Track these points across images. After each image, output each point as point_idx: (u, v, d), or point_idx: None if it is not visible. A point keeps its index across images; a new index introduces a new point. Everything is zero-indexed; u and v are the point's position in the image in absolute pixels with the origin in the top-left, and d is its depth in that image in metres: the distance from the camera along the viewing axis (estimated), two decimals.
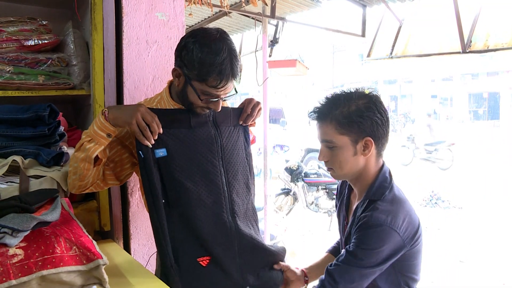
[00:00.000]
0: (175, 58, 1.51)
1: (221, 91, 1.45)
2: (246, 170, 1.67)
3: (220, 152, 1.58)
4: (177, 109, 1.56)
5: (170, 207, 1.47)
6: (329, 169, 1.53)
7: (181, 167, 1.48)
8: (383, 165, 1.52)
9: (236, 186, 1.60)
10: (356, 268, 1.39)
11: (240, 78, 1.51)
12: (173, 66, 1.51)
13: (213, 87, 1.43)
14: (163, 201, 1.46)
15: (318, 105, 1.50)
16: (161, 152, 1.46)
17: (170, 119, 1.50)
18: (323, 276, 1.46)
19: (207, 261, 1.49)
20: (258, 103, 1.71)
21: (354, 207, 1.53)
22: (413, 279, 1.49)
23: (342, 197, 1.67)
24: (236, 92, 1.53)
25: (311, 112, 1.51)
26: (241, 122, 1.69)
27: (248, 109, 1.68)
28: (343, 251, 1.47)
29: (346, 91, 1.48)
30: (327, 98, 1.49)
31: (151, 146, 1.43)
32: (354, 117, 1.41)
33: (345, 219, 1.61)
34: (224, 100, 1.62)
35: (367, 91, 1.47)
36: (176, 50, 1.50)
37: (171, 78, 1.98)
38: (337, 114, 1.43)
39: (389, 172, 1.52)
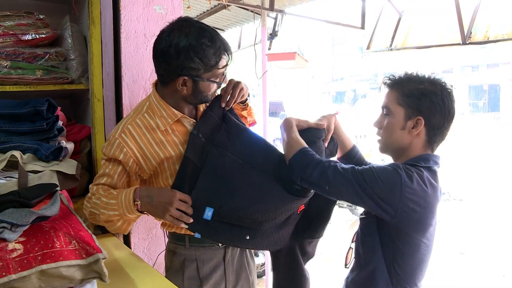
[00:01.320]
0: (170, 69, 1.44)
1: (225, 65, 1.51)
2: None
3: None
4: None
5: None
6: (377, 139, 1.55)
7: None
8: (433, 156, 1.48)
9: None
10: (350, 175, 1.37)
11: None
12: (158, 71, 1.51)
13: (222, 66, 1.49)
14: None
15: (395, 74, 1.52)
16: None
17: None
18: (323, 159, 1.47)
19: None
20: (238, 82, 1.65)
21: None
22: (408, 275, 1.45)
23: None
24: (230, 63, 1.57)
25: (385, 78, 1.53)
26: (223, 105, 1.62)
27: (228, 89, 1.62)
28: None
29: (426, 74, 1.49)
30: (405, 72, 1.51)
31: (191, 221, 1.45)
32: (417, 93, 1.42)
33: None
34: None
35: (442, 81, 1.47)
36: (169, 59, 1.42)
37: None
38: (404, 85, 1.46)
39: (436, 161, 1.48)
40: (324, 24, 5.19)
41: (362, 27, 5.11)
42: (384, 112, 1.50)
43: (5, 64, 1.70)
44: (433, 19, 4.95)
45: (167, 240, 1.73)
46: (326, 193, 1.45)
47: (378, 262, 1.45)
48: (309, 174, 1.42)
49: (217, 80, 1.51)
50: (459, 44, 4.54)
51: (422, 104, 1.41)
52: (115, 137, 1.50)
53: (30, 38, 1.79)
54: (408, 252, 1.43)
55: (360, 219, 1.57)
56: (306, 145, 1.53)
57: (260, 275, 4.78)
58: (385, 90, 1.52)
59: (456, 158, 11.80)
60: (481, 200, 7.79)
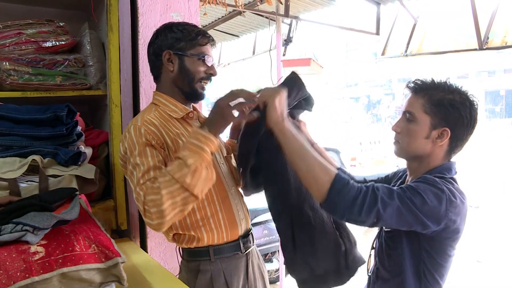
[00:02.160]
0: (156, 52, 1.55)
1: (209, 50, 1.58)
2: None
3: None
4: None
5: None
6: (395, 142, 1.51)
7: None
8: (453, 164, 1.48)
9: None
10: (397, 203, 1.30)
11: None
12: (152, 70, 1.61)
13: (206, 44, 1.56)
14: None
15: (421, 80, 1.48)
16: None
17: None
18: (363, 186, 1.33)
19: None
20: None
21: None
22: (437, 283, 1.46)
23: (394, 184, 1.63)
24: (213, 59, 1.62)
25: (412, 81, 1.49)
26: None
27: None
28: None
29: (453, 83, 1.46)
30: (433, 78, 1.47)
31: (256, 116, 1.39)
32: (446, 104, 1.39)
33: None
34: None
35: (469, 93, 1.44)
36: (156, 41, 1.56)
37: None
38: (433, 93, 1.42)
39: (455, 170, 1.47)
40: (338, 30, 5.19)
41: (377, 33, 5.11)
42: (407, 118, 1.45)
43: (27, 71, 1.74)
44: (449, 24, 4.92)
45: (179, 259, 1.66)
46: (372, 226, 1.35)
47: (408, 272, 1.44)
48: (356, 214, 1.29)
49: (201, 58, 1.54)
50: (475, 49, 4.50)
51: (450, 115, 1.39)
52: (137, 125, 1.44)
53: (51, 45, 1.82)
54: (440, 261, 1.42)
55: (385, 231, 1.54)
56: (329, 159, 1.56)
57: (274, 280, 4.78)
58: (408, 94, 1.49)
59: (472, 165, 11.66)
60: (498, 207, 7.67)
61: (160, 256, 1.95)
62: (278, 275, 4.54)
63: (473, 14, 4.25)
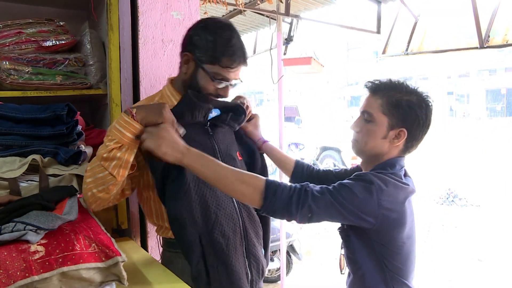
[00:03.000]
0: (182, 45, 1.53)
1: (233, 72, 1.49)
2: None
3: (218, 153, 1.59)
4: (179, 106, 1.53)
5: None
6: (353, 141, 1.55)
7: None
8: (399, 160, 1.51)
9: None
10: (329, 197, 1.35)
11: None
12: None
13: (227, 67, 1.46)
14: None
15: (379, 80, 1.52)
16: None
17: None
18: (296, 185, 1.39)
19: None
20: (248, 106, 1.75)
21: None
22: (401, 269, 1.47)
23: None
24: (241, 81, 1.57)
25: (369, 81, 1.53)
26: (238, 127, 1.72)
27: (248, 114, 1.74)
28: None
29: (410, 84, 1.50)
30: (390, 79, 1.51)
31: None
32: (403, 105, 1.43)
33: None
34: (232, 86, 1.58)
35: (425, 95, 1.48)
36: (185, 37, 1.53)
37: None
38: (390, 94, 1.45)
39: (401, 165, 1.50)
40: (339, 29, 5.19)
41: (378, 32, 5.10)
42: (365, 118, 1.49)
43: (27, 70, 1.74)
44: (450, 23, 4.91)
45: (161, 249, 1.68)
46: (308, 221, 1.39)
47: (367, 264, 1.48)
48: (293, 212, 1.35)
49: (214, 79, 1.47)
50: (476, 48, 4.49)
51: (407, 116, 1.43)
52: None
53: (51, 45, 1.82)
54: (394, 249, 1.45)
55: (339, 231, 1.60)
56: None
57: (275, 280, 4.78)
58: (367, 94, 1.52)
59: (473, 163, 11.66)
60: (499, 206, 7.67)
61: (161, 255, 1.95)
62: (279, 274, 4.54)
63: (474, 13, 4.24)
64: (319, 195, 1.35)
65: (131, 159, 1.36)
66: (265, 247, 1.74)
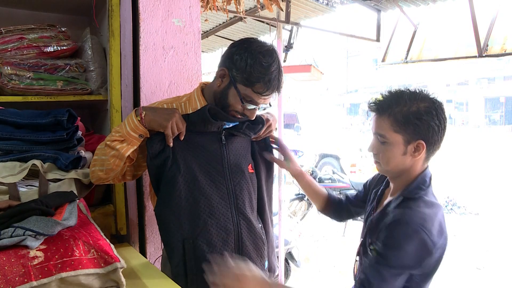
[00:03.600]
0: (223, 60, 1.54)
1: (264, 99, 1.51)
2: (249, 184, 1.64)
3: (226, 163, 1.59)
4: (196, 113, 1.56)
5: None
6: (375, 162, 1.53)
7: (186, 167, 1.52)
8: (426, 168, 1.50)
9: (241, 195, 1.60)
10: (387, 268, 1.35)
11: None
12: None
13: (259, 93, 1.48)
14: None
15: (380, 97, 1.48)
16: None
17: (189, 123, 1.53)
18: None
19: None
20: (271, 124, 1.75)
21: (386, 201, 1.52)
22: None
23: (377, 190, 1.65)
24: (270, 105, 1.60)
25: (371, 103, 1.49)
26: (253, 138, 1.72)
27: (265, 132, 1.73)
28: (370, 250, 1.44)
29: (410, 90, 1.46)
30: (390, 92, 1.47)
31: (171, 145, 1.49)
32: (412, 118, 1.39)
33: (373, 209, 1.60)
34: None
35: (431, 95, 1.45)
36: (227, 53, 1.54)
37: (187, 83, 2.02)
38: (396, 112, 1.41)
39: (430, 177, 1.49)
40: (339, 37, 5.22)
41: (378, 40, 5.13)
42: (379, 140, 1.46)
43: (28, 75, 1.74)
44: (449, 32, 4.94)
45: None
46: None
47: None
48: None
49: (244, 101, 1.50)
50: (475, 56, 4.52)
51: (419, 127, 1.39)
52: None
53: (52, 50, 1.83)
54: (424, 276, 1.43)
55: (369, 248, 1.50)
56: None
57: None
58: (373, 114, 1.49)
59: (472, 172, 11.66)
60: (497, 214, 7.66)
61: (159, 261, 1.95)
62: (278, 281, 4.52)
63: (472, 22, 4.27)
64: (375, 265, 1.36)
65: (127, 154, 1.46)
66: (268, 258, 1.72)
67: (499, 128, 25.88)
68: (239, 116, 1.55)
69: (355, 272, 1.66)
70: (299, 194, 6.76)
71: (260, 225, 1.67)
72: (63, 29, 1.90)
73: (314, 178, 6.59)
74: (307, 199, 6.66)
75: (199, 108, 1.57)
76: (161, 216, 1.58)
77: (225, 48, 1.62)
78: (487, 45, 4.35)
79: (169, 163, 1.52)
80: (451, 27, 4.96)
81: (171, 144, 1.48)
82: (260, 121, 1.66)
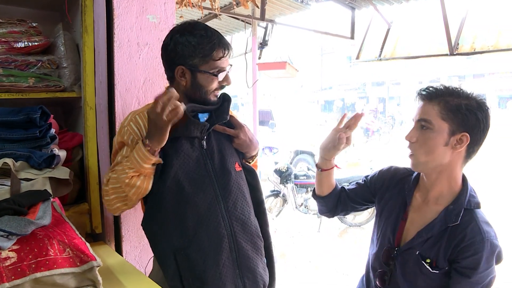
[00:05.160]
0: (170, 61, 1.54)
1: (226, 61, 1.54)
2: (238, 182, 1.63)
3: (210, 168, 1.57)
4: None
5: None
6: (410, 155, 1.47)
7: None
8: (464, 176, 1.48)
9: (230, 197, 1.58)
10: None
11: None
12: (165, 71, 1.56)
13: (220, 58, 1.51)
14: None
15: (433, 87, 1.45)
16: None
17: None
18: None
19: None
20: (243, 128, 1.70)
21: (436, 211, 1.48)
22: None
23: (400, 193, 1.60)
24: (231, 64, 1.60)
25: (423, 89, 1.46)
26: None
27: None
28: (431, 266, 1.43)
29: (465, 89, 1.45)
30: (443, 85, 1.45)
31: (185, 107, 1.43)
32: (463, 108, 1.37)
33: (404, 214, 1.56)
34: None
35: (484, 99, 1.44)
36: (168, 52, 1.53)
37: (162, 80, 2.00)
38: (448, 99, 1.39)
39: (471, 186, 1.49)
40: (314, 34, 5.25)
41: (352, 37, 5.19)
42: (423, 126, 1.42)
43: None
44: (421, 30, 5.04)
45: None
46: None
47: None
48: None
49: (216, 73, 1.51)
50: (446, 55, 4.62)
51: (468, 120, 1.37)
52: (124, 125, 1.57)
53: (23, 46, 1.78)
54: None
55: (428, 271, 1.46)
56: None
57: None
58: (421, 102, 1.46)
59: None
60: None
61: (136, 260, 1.94)
62: None
63: (444, 21, 4.37)
64: None
65: (150, 187, 1.49)
66: (267, 255, 1.72)
67: None
68: (219, 92, 1.58)
69: (385, 283, 1.58)
70: (274, 190, 6.79)
71: (256, 222, 1.66)
72: (34, 25, 1.86)
73: (289, 174, 6.64)
74: (282, 196, 6.70)
75: None
76: (149, 230, 1.58)
77: None
78: (458, 44, 4.46)
79: (155, 176, 1.51)
80: (424, 25, 5.06)
81: (181, 110, 1.39)
82: (227, 99, 1.63)
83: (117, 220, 1.94)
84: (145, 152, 1.41)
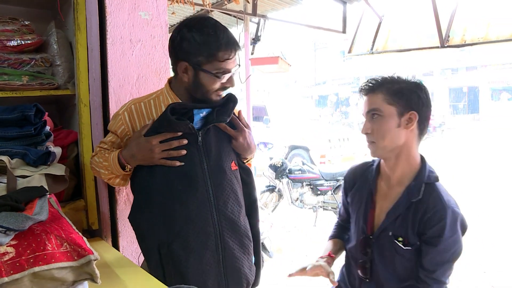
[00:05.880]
0: (175, 55, 1.52)
1: (232, 62, 1.50)
2: (232, 182, 1.61)
3: (204, 165, 1.54)
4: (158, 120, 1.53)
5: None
6: (370, 144, 1.57)
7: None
8: (422, 155, 1.59)
9: (222, 197, 1.57)
10: (450, 254, 1.48)
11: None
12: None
13: (225, 59, 1.47)
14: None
15: (373, 79, 1.57)
16: None
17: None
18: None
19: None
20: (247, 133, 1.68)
21: (398, 192, 1.57)
22: None
23: (364, 184, 1.69)
24: (239, 65, 1.57)
25: (363, 85, 1.58)
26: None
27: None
28: (403, 243, 1.52)
29: (401, 75, 1.58)
30: (379, 76, 1.58)
31: (183, 164, 1.50)
32: (405, 90, 1.50)
33: (372, 202, 1.64)
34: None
35: (418, 80, 1.57)
36: (174, 46, 1.51)
37: (155, 76, 2.02)
38: (388, 86, 1.52)
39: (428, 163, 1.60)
40: (306, 29, 5.26)
41: (344, 31, 5.21)
42: (374, 115, 1.53)
43: None
44: (412, 23, 5.07)
45: None
46: None
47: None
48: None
49: (218, 74, 1.48)
50: (437, 47, 4.65)
51: (411, 99, 1.49)
52: (118, 113, 1.61)
53: (16, 44, 1.79)
54: None
55: (402, 249, 1.54)
56: None
57: None
58: (365, 96, 1.57)
59: (438, 161, 11.99)
60: (465, 203, 7.89)
61: (132, 255, 1.95)
62: None
63: (434, 14, 4.39)
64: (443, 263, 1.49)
65: (127, 182, 1.64)
66: (255, 253, 1.71)
67: (463, 117, 26.67)
68: (222, 95, 1.56)
69: (367, 272, 1.63)
70: (269, 186, 6.81)
71: (246, 222, 1.65)
72: (26, 23, 1.86)
73: (284, 170, 6.64)
74: (278, 191, 6.72)
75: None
76: (135, 223, 1.60)
77: None
78: (449, 36, 4.49)
79: (144, 168, 1.53)
80: (415, 18, 5.08)
81: (177, 164, 1.49)
82: (232, 100, 1.60)
83: (113, 216, 1.96)
84: (118, 167, 1.53)
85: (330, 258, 1.72)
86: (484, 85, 25.72)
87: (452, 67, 27.87)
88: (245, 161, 1.74)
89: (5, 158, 1.46)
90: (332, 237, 1.86)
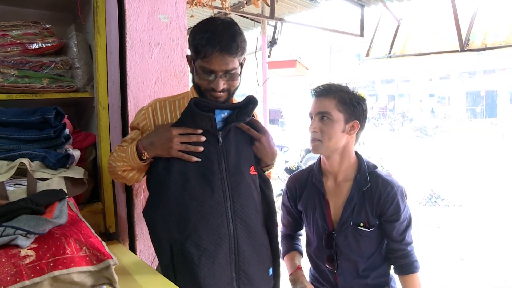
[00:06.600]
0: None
1: (215, 62, 1.44)
2: (251, 186, 1.59)
3: (223, 164, 1.53)
4: (184, 112, 1.52)
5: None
6: (314, 141, 1.74)
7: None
8: (356, 151, 1.82)
9: (239, 199, 1.55)
10: (410, 223, 1.79)
11: (241, 55, 1.50)
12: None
13: (206, 57, 1.44)
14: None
15: (325, 84, 1.77)
16: None
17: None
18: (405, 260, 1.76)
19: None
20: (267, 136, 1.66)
21: (349, 185, 1.77)
22: None
23: (313, 188, 1.85)
24: (240, 73, 1.53)
25: (317, 87, 1.77)
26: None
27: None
28: (369, 226, 1.74)
29: (348, 85, 1.79)
30: (331, 82, 1.78)
31: (199, 160, 1.51)
32: (354, 101, 1.71)
33: (325, 202, 1.80)
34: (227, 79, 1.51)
35: (361, 93, 1.78)
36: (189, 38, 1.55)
37: (173, 79, 2.02)
38: (340, 94, 1.71)
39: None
40: (323, 32, 5.24)
41: (361, 35, 5.17)
42: (323, 117, 1.70)
43: (12, 73, 1.72)
44: (431, 27, 5.00)
45: None
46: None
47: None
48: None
49: (198, 72, 1.49)
50: (457, 51, 4.59)
51: (357, 110, 1.71)
52: (143, 108, 1.64)
53: (37, 47, 1.81)
54: None
55: (366, 231, 1.75)
56: None
57: None
58: (318, 97, 1.74)
59: (454, 164, 11.83)
60: (480, 206, 7.80)
61: (150, 258, 1.95)
62: None
63: (454, 17, 4.33)
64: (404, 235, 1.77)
65: (140, 179, 1.62)
66: (274, 266, 1.68)
67: (480, 121, 26.30)
68: (219, 94, 1.50)
69: (335, 263, 1.80)
70: None
71: (264, 232, 1.63)
72: (47, 26, 1.88)
73: None
74: None
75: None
76: (149, 219, 1.59)
77: None
78: (469, 40, 4.42)
79: (160, 164, 1.52)
80: (434, 22, 5.02)
81: (194, 160, 1.50)
82: (253, 102, 1.55)
83: (131, 219, 1.96)
84: (135, 155, 1.51)
85: (301, 271, 1.86)
86: (502, 89, 25.34)
87: (469, 70, 27.53)
88: (265, 169, 1.71)
89: (25, 161, 1.47)
90: (287, 252, 1.97)
